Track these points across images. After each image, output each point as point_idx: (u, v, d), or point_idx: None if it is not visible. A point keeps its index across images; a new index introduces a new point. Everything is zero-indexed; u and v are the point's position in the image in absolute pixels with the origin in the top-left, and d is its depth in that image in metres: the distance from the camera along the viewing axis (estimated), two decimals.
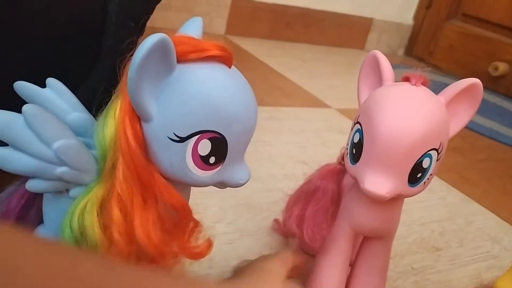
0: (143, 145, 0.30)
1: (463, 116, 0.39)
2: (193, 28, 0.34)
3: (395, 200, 0.40)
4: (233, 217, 0.59)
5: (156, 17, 0.35)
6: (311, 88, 1.23)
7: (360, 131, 0.38)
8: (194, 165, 0.30)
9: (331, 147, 0.86)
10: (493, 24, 1.73)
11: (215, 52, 0.30)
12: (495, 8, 1.72)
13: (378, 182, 0.36)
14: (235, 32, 1.56)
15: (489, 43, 1.72)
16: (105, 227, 0.29)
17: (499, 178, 0.96)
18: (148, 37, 0.26)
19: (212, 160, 0.30)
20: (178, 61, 0.29)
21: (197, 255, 0.33)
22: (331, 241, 0.44)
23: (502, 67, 1.65)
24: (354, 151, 0.38)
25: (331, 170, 0.47)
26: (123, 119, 0.29)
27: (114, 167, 0.29)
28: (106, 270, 0.23)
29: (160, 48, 0.27)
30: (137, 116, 0.29)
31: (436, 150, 0.36)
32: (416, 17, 1.99)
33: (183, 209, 0.31)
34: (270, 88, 1.16)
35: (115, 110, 0.29)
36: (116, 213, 0.29)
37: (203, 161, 0.30)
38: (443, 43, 1.88)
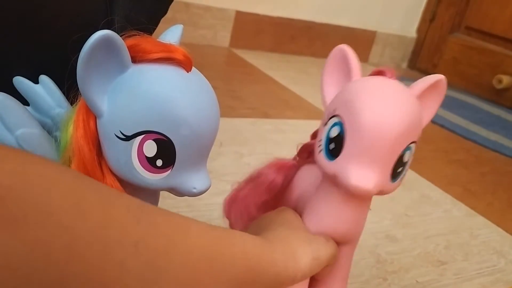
0: (96, 141, 0.30)
1: (428, 111, 0.39)
2: (171, 35, 0.34)
3: (365, 201, 0.39)
4: None
5: (161, 31, 0.35)
6: (315, 100, 1.23)
7: (340, 124, 0.36)
8: (140, 166, 0.29)
9: None
10: (496, 37, 1.74)
11: (175, 54, 0.30)
12: (498, 21, 1.73)
13: (365, 175, 0.34)
14: (239, 45, 1.57)
15: (493, 56, 1.73)
16: None
17: (503, 191, 0.96)
18: (95, 33, 0.26)
19: (159, 162, 0.29)
20: (139, 61, 0.29)
21: None
22: None
23: (506, 80, 1.65)
24: (332, 146, 0.36)
25: (281, 163, 0.45)
26: (77, 115, 0.29)
27: (70, 161, 0.30)
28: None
29: (105, 45, 0.27)
30: (92, 112, 0.29)
31: (415, 142, 0.36)
32: (419, 30, 1.99)
33: None
34: (274, 101, 1.16)
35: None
36: None
37: (150, 163, 0.29)
38: (446, 56, 1.89)
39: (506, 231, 0.77)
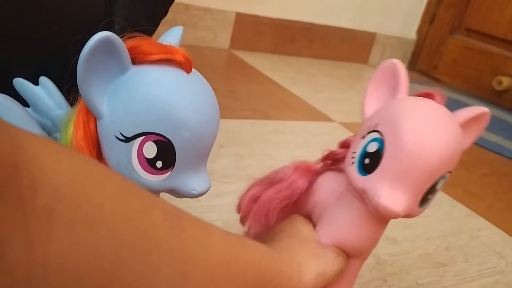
0: (96, 143, 0.30)
1: (468, 140, 0.38)
2: (171, 36, 0.34)
3: (386, 221, 0.38)
4: (237, 231, 0.59)
5: (161, 32, 0.35)
6: (315, 102, 1.23)
7: (379, 140, 0.34)
8: (140, 168, 0.29)
9: None
10: (496, 39, 1.74)
11: (175, 56, 0.30)
12: (498, 22, 1.73)
13: (396, 197, 0.33)
14: (239, 47, 1.57)
15: (493, 58, 1.73)
16: None
17: (504, 192, 0.96)
18: (95, 34, 0.26)
19: (159, 164, 0.29)
20: (139, 62, 0.29)
21: None
22: None
23: (506, 81, 1.65)
24: (367, 161, 0.35)
25: (307, 167, 0.44)
26: (77, 116, 0.30)
27: None
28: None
29: (105, 46, 0.27)
30: (92, 114, 0.29)
31: (450, 172, 0.35)
32: (419, 31, 2.00)
33: None
34: (274, 102, 1.16)
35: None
36: None
37: (150, 164, 0.29)
38: (446, 58, 1.89)
39: (507, 232, 0.77)
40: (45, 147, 0.19)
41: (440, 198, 0.84)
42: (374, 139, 0.35)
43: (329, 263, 0.36)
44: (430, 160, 0.33)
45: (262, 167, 0.76)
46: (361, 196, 0.36)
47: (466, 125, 0.37)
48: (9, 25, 0.35)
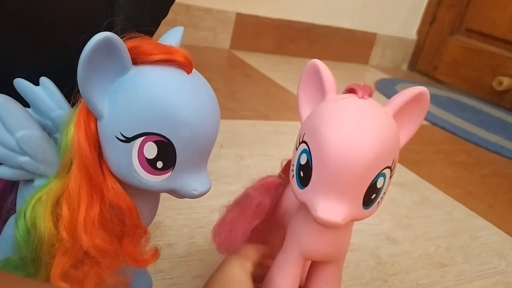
0: (97, 143, 0.30)
1: (410, 126, 0.36)
2: (172, 37, 0.34)
3: (347, 224, 0.37)
4: None
5: (162, 32, 0.35)
6: None
7: (307, 152, 0.34)
8: (140, 168, 0.29)
9: None
10: (497, 39, 1.74)
11: (175, 56, 0.30)
12: (498, 23, 1.73)
13: (332, 209, 0.32)
14: (239, 47, 1.57)
15: (493, 58, 1.73)
16: (58, 222, 0.30)
17: (504, 193, 0.96)
18: (95, 35, 0.26)
19: (159, 164, 0.29)
20: (140, 63, 0.29)
21: (142, 262, 0.33)
22: (279, 269, 0.40)
23: (506, 81, 1.65)
24: (301, 174, 0.35)
25: (268, 183, 0.44)
26: (78, 116, 0.30)
27: (71, 163, 0.30)
28: None
29: (106, 47, 0.27)
30: (93, 114, 0.29)
31: (390, 167, 0.34)
32: (419, 32, 2.00)
33: (129, 211, 0.31)
34: (274, 103, 1.16)
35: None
36: (64, 210, 0.30)
37: (150, 165, 0.29)
38: (447, 58, 1.89)
39: (507, 233, 0.77)
40: None
41: (440, 198, 0.84)
42: (303, 151, 0.34)
43: None
44: (356, 164, 0.31)
45: (262, 168, 0.76)
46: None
47: (404, 110, 0.35)
48: (10, 25, 0.35)
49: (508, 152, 1.21)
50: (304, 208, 0.37)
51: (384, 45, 1.92)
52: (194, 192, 0.31)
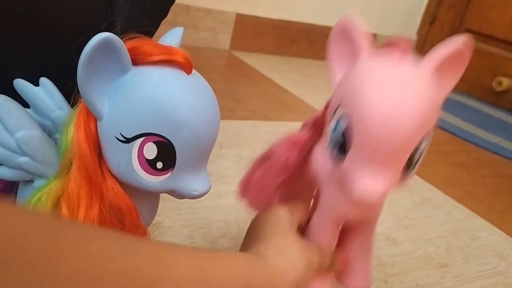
0: (96, 144, 0.30)
1: (449, 82, 0.34)
2: (172, 37, 0.34)
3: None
4: (237, 232, 0.59)
5: (162, 33, 0.35)
6: (315, 103, 1.23)
7: (346, 119, 0.31)
8: (140, 168, 0.29)
9: None
10: (496, 40, 1.74)
11: (175, 57, 0.30)
12: (498, 23, 1.73)
13: (373, 184, 0.30)
14: (239, 48, 1.57)
15: (493, 58, 1.73)
16: None
17: (504, 193, 0.96)
18: (95, 35, 0.26)
19: (159, 165, 0.29)
20: (140, 63, 0.29)
21: None
22: (315, 234, 0.39)
23: (506, 82, 1.65)
24: (340, 143, 0.32)
25: (294, 139, 0.41)
26: (78, 117, 0.30)
27: (71, 163, 0.30)
28: (121, 247, 0.24)
29: (106, 47, 0.27)
30: (93, 115, 0.29)
31: (431, 129, 0.32)
32: (419, 32, 2.00)
33: (129, 211, 0.31)
34: (274, 103, 1.16)
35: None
36: (64, 210, 0.30)
37: (150, 165, 0.29)
38: None
39: (507, 233, 0.77)
40: None
41: (440, 199, 0.84)
42: (341, 119, 0.31)
43: (314, 255, 0.36)
44: (401, 133, 0.29)
45: None
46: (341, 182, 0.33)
47: (443, 65, 0.33)
48: (10, 26, 0.35)
49: (508, 152, 1.21)
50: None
51: None
52: (194, 193, 0.31)
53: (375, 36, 1.87)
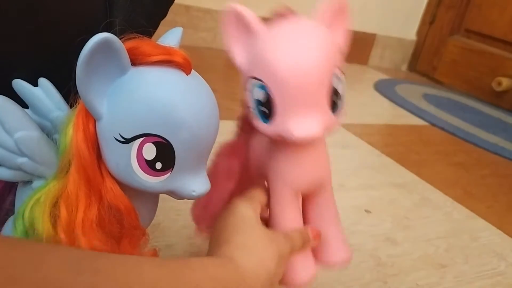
0: (95, 144, 0.30)
1: (338, 33, 0.39)
2: (171, 38, 0.34)
3: (319, 143, 0.39)
4: None
5: (161, 33, 0.35)
6: None
7: (262, 86, 0.35)
8: (139, 169, 0.29)
9: (334, 162, 0.85)
10: (496, 40, 1.74)
11: (174, 57, 0.30)
12: (498, 23, 1.73)
13: (306, 124, 0.34)
14: None
15: (492, 59, 1.73)
16: (56, 224, 0.30)
17: (504, 194, 0.96)
18: (94, 36, 0.26)
19: (158, 165, 0.29)
20: (139, 64, 0.29)
21: None
22: (277, 212, 0.41)
23: (506, 82, 1.65)
24: (264, 109, 0.36)
25: (230, 146, 0.44)
26: (77, 118, 0.29)
27: (70, 164, 0.30)
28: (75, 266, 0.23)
29: (104, 47, 0.27)
30: (92, 115, 0.29)
31: (339, 69, 0.36)
32: (419, 32, 2.00)
33: (127, 212, 0.31)
34: None
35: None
36: (63, 211, 0.30)
37: (149, 166, 0.29)
38: (446, 59, 1.89)
39: (507, 233, 0.77)
40: None
41: (440, 199, 0.84)
42: (257, 86, 0.36)
43: (282, 244, 0.36)
44: (310, 76, 0.34)
45: None
46: (281, 139, 0.36)
47: (331, 22, 0.38)
48: (8, 26, 0.35)
49: (508, 152, 1.21)
50: (276, 144, 0.39)
51: (383, 46, 1.92)
52: (193, 193, 0.31)
53: (375, 36, 1.87)
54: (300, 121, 0.34)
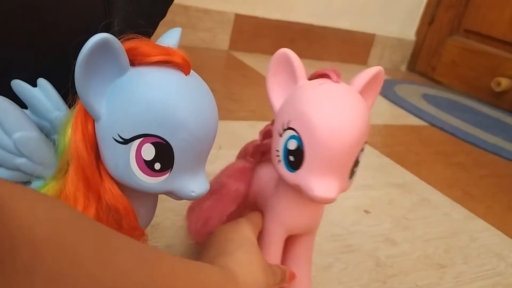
0: (94, 145, 0.30)
1: (370, 100, 0.41)
2: (170, 38, 0.34)
3: None
4: None
5: (160, 33, 0.35)
6: None
7: (297, 138, 0.36)
8: (138, 169, 0.29)
9: None
10: (495, 40, 1.74)
11: (173, 57, 0.30)
12: (497, 23, 1.73)
13: (327, 186, 0.36)
14: (238, 48, 1.57)
15: (492, 59, 1.73)
16: None
17: (503, 194, 0.96)
18: (93, 36, 0.26)
19: (157, 166, 0.29)
20: (138, 64, 0.29)
21: None
22: (264, 248, 0.43)
23: (505, 82, 1.65)
24: (292, 159, 0.37)
25: (241, 169, 0.46)
26: (75, 118, 0.29)
27: (68, 164, 0.30)
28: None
29: (103, 48, 0.27)
30: (91, 116, 0.29)
31: (366, 142, 0.38)
32: (418, 32, 2.00)
33: (126, 213, 0.31)
34: None
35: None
36: None
37: (148, 166, 0.29)
38: (445, 59, 1.89)
39: (506, 234, 0.77)
40: (16, 196, 0.19)
41: (439, 199, 0.84)
42: (292, 137, 0.37)
43: (271, 276, 0.39)
44: (347, 143, 0.35)
45: None
46: (298, 189, 0.38)
47: (365, 89, 0.39)
48: (7, 26, 0.35)
49: (507, 153, 1.21)
50: (283, 187, 0.41)
51: (382, 46, 1.92)
52: (192, 194, 0.31)
53: (374, 36, 1.87)
54: (322, 183, 0.36)
